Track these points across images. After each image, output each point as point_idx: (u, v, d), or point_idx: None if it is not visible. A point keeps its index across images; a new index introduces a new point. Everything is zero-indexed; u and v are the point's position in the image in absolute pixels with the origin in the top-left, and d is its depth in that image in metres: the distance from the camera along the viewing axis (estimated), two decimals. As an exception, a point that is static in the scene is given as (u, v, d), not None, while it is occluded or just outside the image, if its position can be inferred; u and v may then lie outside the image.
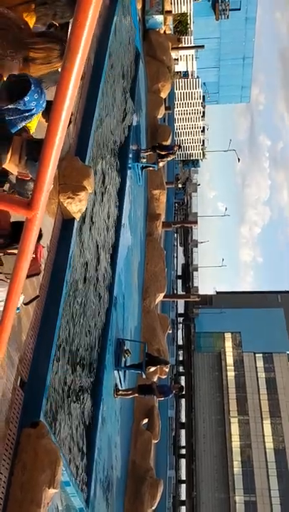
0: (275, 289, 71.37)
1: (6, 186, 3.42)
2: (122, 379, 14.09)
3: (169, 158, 20.96)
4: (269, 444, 53.59)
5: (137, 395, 14.07)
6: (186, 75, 45.63)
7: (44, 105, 2.99)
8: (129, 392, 13.96)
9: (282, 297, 66.57)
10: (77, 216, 8.19)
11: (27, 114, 2.92)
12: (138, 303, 18.56)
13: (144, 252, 20.34)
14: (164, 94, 25.45)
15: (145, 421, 17.21)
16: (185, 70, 43.82)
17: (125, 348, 13.77)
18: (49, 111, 1.79)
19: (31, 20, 3.09)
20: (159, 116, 24.78)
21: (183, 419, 55.68)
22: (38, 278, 6.52)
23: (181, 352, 59.15)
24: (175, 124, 45.62)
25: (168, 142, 22.77)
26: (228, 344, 62.33)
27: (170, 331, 23.64)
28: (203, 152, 58.18)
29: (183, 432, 55.13)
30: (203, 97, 52.38)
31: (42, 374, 6.49)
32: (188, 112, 50.41)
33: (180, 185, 58.63)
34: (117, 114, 14.09)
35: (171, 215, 33.51)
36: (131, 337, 15.88)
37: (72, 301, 8.73)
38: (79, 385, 9.15)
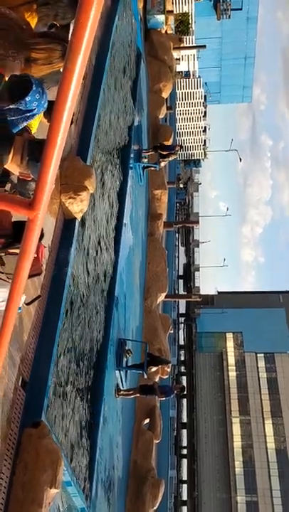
0: (277, 289, 71.32)
1: (8, 186, 3.43)
2: (124, 379, 14.09)
3: (170, 158, 20.97)
4: (270, 444, 53.56)
5: (138, 395, 14.07)
6: (187, 74, 45.63)
7: (46, 105, 2.99)
8: (131, 392, 13.96)
9: (284, 297, 66.53)
10: (79, 216, 8.19)
11: (28, 115, 2.93)
12: (139, 303, 18.57)
13: (146, 252, 20.34)
14: (165, 94, 25.45)
15: (147, 421, 17.21)
16: (186, 69, 43.82)
17: (127, 348, 13.77)
18: (50, 111, 1.79)
19: (33, 21, 3.09)
20: (161, 116, 24.78)
21: (184, 419, 55.68)
22: (40, 278, 6.52)
23: (182, 352, 59.15)
24: (177, 124, 45.64)
25: (169, 142, 22.77)
26: (230, 344, 62.31)
27: (171, 331, 23.62)
28: (204, 152, 58.19)
29: (184, 432, 55.12)
30: (205, 96, 52.38)
31: (43, 374, 6.49)
32: (189, 111, 50.40)
33: (181, 185, 58.60)
34: (118, 114, 14.09)
35: (173, 215, 33.52)
36: (132, 337, 15.89)
37: (74, 301, 8.74)
38: (80, 385, 9.15)
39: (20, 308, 3.31)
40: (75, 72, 1.41)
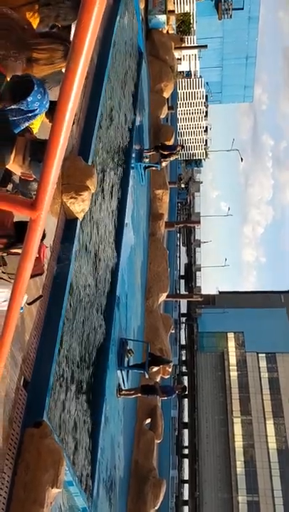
0: (278, 289, 71.27)
1: (10, 186, 3.43)
2: (125, 379, 14.09)
3: (171, 158, 20.97)
4: (272, 445, 53.50)
5: (139, 395, 14.08)
6: (188, 74, 45.62)
7: (47, 105, 2.99)
8: (132, 392, 13.96)
9: (285, 297, 66.46)
10: (80, 216, 8.19)
11: (30, 115, 2.93)
12: (141, 303, 18.57)
13: (147, 251, 20.34)
14: (166, 94, 25.45)
15: (148, 421, 17.21)
16: (188, 69, 43.81)
17: (128, 347, 13.77)
18: (52, 111, 1.79)
19: (35, 21, 3.09)
20: (162, 116, 24.77)
21: (186, 419, 55.64)
22: (41, 278, 6.52)
23: (183, 352, 59.12)
24: (178, 124, 45.62)
25: (171, 142, 22.77)
26: (231, 344, 62.24)
27: (173, 331, 23.63)
28: (206, 152, 58.20)
29: (186, 431, 55.10)
30: (206, 96, 52.39)
31: (45, 374, 6.49)
32: (191, 111, 50.40)
33: (183, 185, 58.59)
34: (119, 113, 14.09)
35: (174, 215, 33.52)
36: (134, 337, 15.89)
37: (75, 301, 8.74)
38: (82, 385, 9.16)
39: (22, 308, 3.31)
40: (77, 73, 1.41)
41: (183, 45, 33.09)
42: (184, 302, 53.92)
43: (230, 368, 60.07)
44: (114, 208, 12.88)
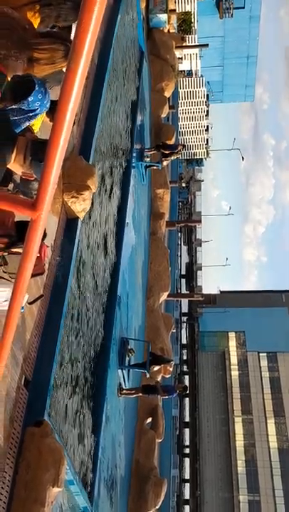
0: (279, 289, 71.21)
1: (11, 186, 3.43)
2: (126, 378, 14.10)
3: (172, 158, 20.95)
4: (273, 444, 53.51)
5: (140, 394, 14.08)
6: (190, 73, 45.58)
7: (48, 105, 2.99)
8: (133, 392, 13.97)
9: (286, 297, 66.40)
10: (81, 215, 8.19)
11: (31, 114, 2.93)
12: (142, 302, 18.58)
13: (148, 251, 20.35)
14: (167, 93, 25.44)
15: (149, 420, 17.23)
16: (189, 68, 43.76)
17: (129, 347, 13.78)
18: (53, 110, 1.79)
19: (35, 21, 3.09)
20: (163, 115, 24.76)
21: (187, 418, 55.69)
22: (42, 277, 6.53)
23: (185, 351, 59.14)
24: (179, 123, 45.55)
25: (172, 141, 22.76)
26: (232, 343, 62.24)
27: (174, 330, 23.64)
28: (207, 151, 58.18)
29: (187, 431, 55.14)
30: (207, 95, 52.34)
31: (46, 373, 6.50)
32: (192, 110, 50.38)
33: (184, 184, 58.60)
34: (120, 113, 14.09)
35: (175, 214, 33.49)
36: (135, 336, 15.90)
37: (77, 301, 8.75)
38: (83, 384, 9.17)
39: (23, 308, 3.32)
40: (78, 73, 1.41)
41: (184, 44, 33.08)
42: (185, 301, 53.95)
43: (232, 367, 60.07)
44: (115, 207, 12.88)
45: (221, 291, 71.27)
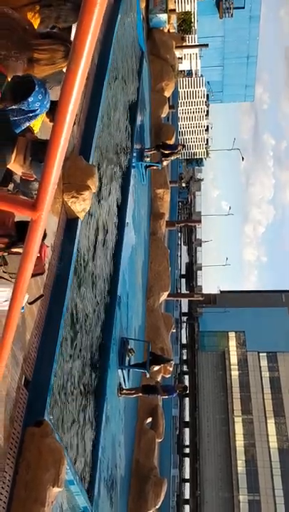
0: (279, 289, 71.22)
1: (11, 186, 3.43)
2: (126, 378, 14.10)
3: (172, 158, 20.95)
4: (273, 444, 53.52)
5: (140, 394, 14.08)
6: (189, 73, 45.60)
7: (48, 106, 3.00)
8: (133, 392, 13.97)
9: (286, 296, 66.40)
10: (81, 215, 8.19)
11: (31, 115, 2.93)
12: (142, 302, 18.58)
13: (148, 251, 20.35)
14: (167, 93, 25.43)
15: (149, 420, 17.23)
16: (189, 68, 43.78)
17: (129, 347, 13.78)
18: (53, 111, 1.79)
19: (35, 22, 3.09)
20: (163, 115, 24.76)
21: (187, 418, 55.69)
22: (42, 277, 6.53)
23: (185, 351, 59.14)
24: (179, 123, 45.55)
25: (172, 141, 22.76)
26: (232, 343, 62.24)
27: (174, 330, 23.63)
28: (207, 151, 58.23)
29: (187, 430, 55.14)
30: (207, 95, 52.38)
31: (46, 373, 6.50)
32: (192, 110, 50.41)
33: (184, 184, 58.60)
34: (120, 113, 14.09)
35: (175, 214, 33.48)
36: (135, 336, 15.90)
37: (76, 300, 8.75)
38: (83, 384, 9.17)
39: (23, 308, 3.32)
40: (78, 74, 1.41)
41: (184, 44, 33.07)
42: (185, 301, 53.95)
43: (232, 367, 60.08)
44: (115, 207, 12.88)
45: (221, 291, 71.27)
